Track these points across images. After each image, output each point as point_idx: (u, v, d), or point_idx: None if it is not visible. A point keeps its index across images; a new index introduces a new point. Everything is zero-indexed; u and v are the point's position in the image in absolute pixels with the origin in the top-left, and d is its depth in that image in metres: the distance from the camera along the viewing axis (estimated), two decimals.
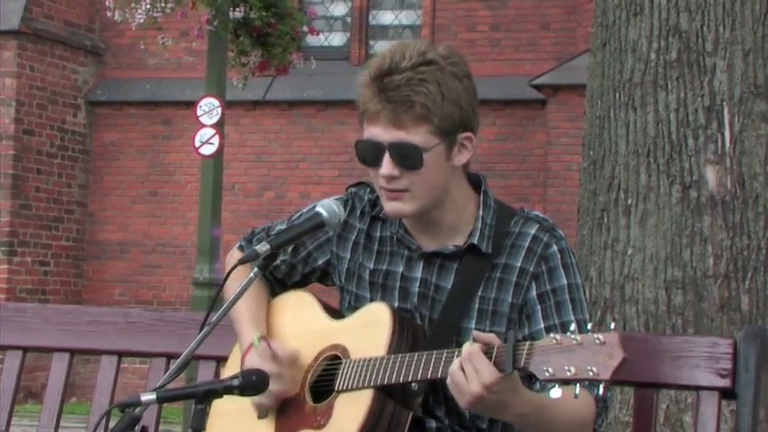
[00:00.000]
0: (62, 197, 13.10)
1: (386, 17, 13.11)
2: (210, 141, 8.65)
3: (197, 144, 8.73)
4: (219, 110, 8.68)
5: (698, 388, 2.85)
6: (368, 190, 2.69)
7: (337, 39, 13.17)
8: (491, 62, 12.21)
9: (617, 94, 4.66)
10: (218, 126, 8.72)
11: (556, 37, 12.21)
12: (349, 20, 13.07)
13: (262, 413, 2.62)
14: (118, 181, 13.25)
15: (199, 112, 8.74)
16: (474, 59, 12.27)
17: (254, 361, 2.57)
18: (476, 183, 2.64)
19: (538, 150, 12.10)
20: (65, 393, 3.18)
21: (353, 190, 2.72)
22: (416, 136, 2.48)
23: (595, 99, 4.78)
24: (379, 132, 2.50)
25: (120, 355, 3.18)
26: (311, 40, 11.37)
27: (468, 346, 2.30)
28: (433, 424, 2.57)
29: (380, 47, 12.89)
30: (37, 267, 12.82)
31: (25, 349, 3.21)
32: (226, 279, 2.54)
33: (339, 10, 13.16)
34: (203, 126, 8.68)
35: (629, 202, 4.60)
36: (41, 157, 12.85)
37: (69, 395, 11.89)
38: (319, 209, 2.54)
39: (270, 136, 12.81)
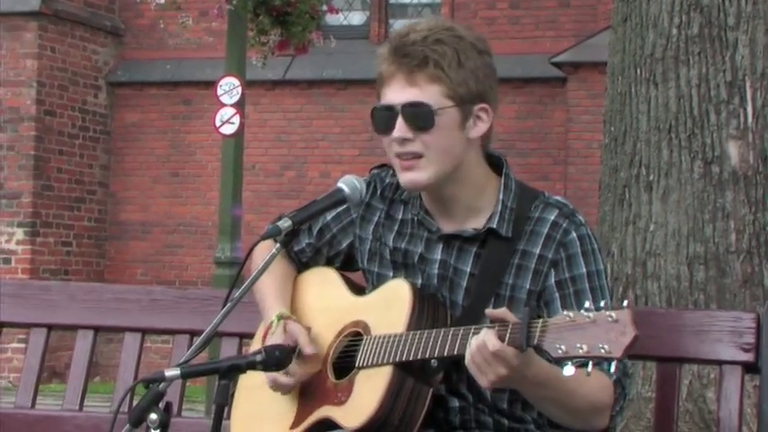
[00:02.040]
0: (84, 178, 13.14)
1: None
2: (231, 121, 8.66)
3: (217, 124, 8.74)
4: (239, 89, 8.68)
5: (720, 362, 2.85)
6: (390, 172, 2.68)
7: (357, 17, 13.14)
8: (510, 40, 12.16)
9: (638, 70, 4.65)
10: (239, 105, 8.72)
11: (576, 14, 12.15)
12: None
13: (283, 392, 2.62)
14: (139, 161, 13.28)
15: (219, 92, 8.74)
16: (493, 37, 12.23)
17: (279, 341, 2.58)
18: (497, 165, 2.62)
19: (558, 128, 12.06)
20: (89, 370, 3.20)
21: (376, 172, 2.72)
22: (429, 96, 2.48)
23: (616, 75, 4.76)
24: (392, 95, 2.50)
25: (144, 332, 3.20)
26: (331, 19, 11.33)
27: (487, 328, 2.29)
28: (455, 403, 2.57)
29: (400, 25, 12.86)
30: (60, 248, 12.88)
31: (50, 327, 3.23)
32: (247, 256, 2.54)
33: None
34: (224, 106, 8.69)
35: (651, 178, 4.59)
36: (63, 137, 12.89)
37: (93, 374, 11.96)
38: (341, 184, 2.54)
39: (290, 115, 12.81)
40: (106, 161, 13.39)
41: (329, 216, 2.67)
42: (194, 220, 13.04)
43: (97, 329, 3.21)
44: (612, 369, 2.24)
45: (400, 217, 2.65)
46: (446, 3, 12.68)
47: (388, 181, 2.68)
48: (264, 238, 2.48)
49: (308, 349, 2.57)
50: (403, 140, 2.50)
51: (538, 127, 12.23)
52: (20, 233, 12.57)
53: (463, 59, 2.49)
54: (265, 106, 12.80)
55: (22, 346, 11.35)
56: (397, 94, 2.50)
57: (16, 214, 12.57)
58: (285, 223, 2.45)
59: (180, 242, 13.10)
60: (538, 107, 12.23)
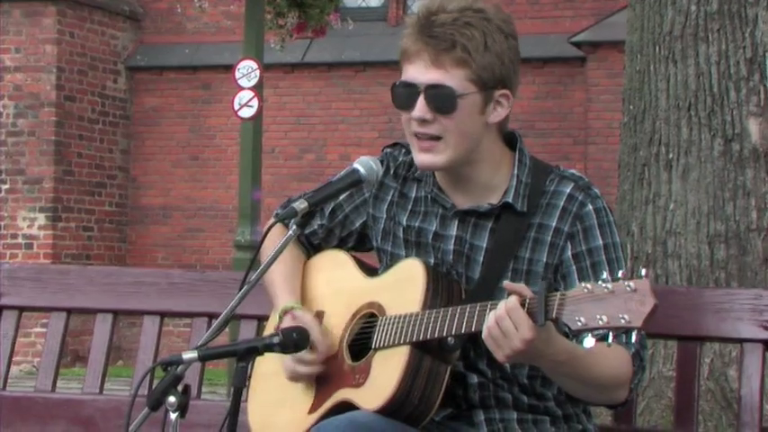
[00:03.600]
0: (104, 162, 13.18)
1: None
2: (249, 104, 8.65)
3: (236, 107, 8.74)
4: (258, 72, 8.67)
5: (741, 340, 2.83)
6: (403, 151, 2.67)
7: None
8: (530, 20, 12.11)
9: (657, 48, 4.62)
10: (257, 89, 8.71)
11: None
12: None
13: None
14: (159, 146, 13.30)
15: (237, 75, 8.74)
16: (513, 17, 12.20)
17: None
18: (511, 141, 2.61)
19: (578, 108, 12.02)
20: (109, 353, 3.21)
21: (389, 150, 2.70)
22: (453, 79, 2.46)
23: (635, 53, 4.73)
24: (416, 74, 2.49)
25: (163, 315, 3.20)
26: (349, 1, 11.33)
27: (504, 302, 2.29)
28: (474, 379, 2.56)
29: (417, 7, 12.81)
30: (81, 233, 12.93)
31: (69, 311, 3.24)
32: (263, 239, 2.53)
33: None
34: (242, 89, 8.69)
35: (671, 156, 4.57)
36: (83, 123, 12.92)
37: (115, 358, 12.01)
38: (357, 165, 2.53)
39: (309, 98, 12.80)
40: (126, 146, 13.42)
41: (341, 196, 2.65)
42: (214, 204, 13.06)
43: (116, 313, 3.22)
44: (633, 339, 2.24)
45: (414, 195, 2.64)
46: None
47: (401, 159, 2.67)
48: (281, 219, 2.47)
49: (321, 343, 2.55)
50: (422, 121, 2.48)
51: (557, 107, 12.18)
52: (41, 218, 12.62)
53: (490, 43, 2.47)
54: (284, 89, 12.79)
55: (45, 330, 11.43)
56: (420, 72, 2.48)
57: (38, 200, 12.62)
58: (301, 205, 2.44)
59: (200, 226, 13.13)
60: (557, 87, 12.18)
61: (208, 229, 13.10)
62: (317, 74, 12.76)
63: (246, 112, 8.67)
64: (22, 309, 3.26)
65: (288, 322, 2.58)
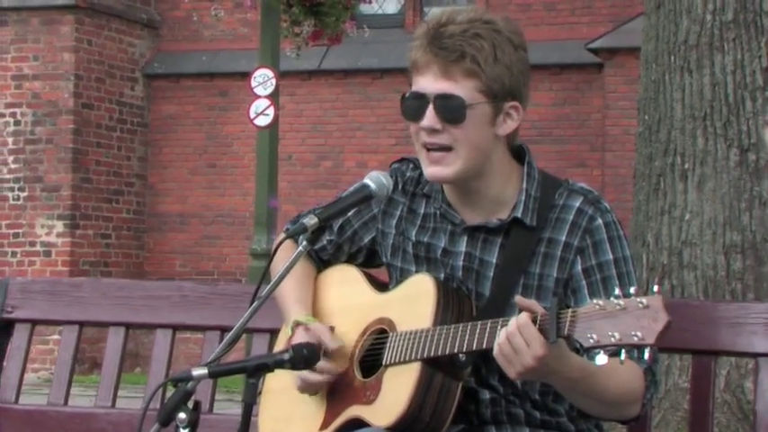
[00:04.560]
0: (122, 170, 13.21)
1: None
2: (265, 112, 8.66)
3: (252, 115, 8.75)
4: (274, 81, 8.68)
5: (756, 355, 2.80)
6: (411, 166, 2.66)
7: (391, 6, 13.11)
8: (546, 26, 12.09)
9: (672, 57, 4.61)
10: (273, 97, 8.72)
11: None
12: None
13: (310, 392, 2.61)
14: (176, 153, 13.33)
15: (253, 84, 8.75)
16: (529, 24, 12.16)
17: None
18: (519, 154, 2.60)
19: (595, 115, 11.99)
20: (121, 366, 3.21)
21: (396, 166, 2.69)
22: (463, 90, 2.46)
23: (650, 63, 4.72)
24: (426, 84, 2.48)
25: (175, 328, 3.19)
26: (365, 8, 11.31)
27: (516, 318, 2.27)
28: (486, 395, 2.55)
29: (434, 14, 12.79)
30: (99, 240, 12.96)
31: (81, 324, 3.24)
32: (273, 255, 2.52)
33: None
34: (258, 97, 8.69)
35: (686, 166, 4.55)
36: (101, 130, 12.96)
37: (133, 365, 12.03)
38: (367, 181, 2.52)
39: (326, 105, 12.80)
40: (143, 153, 13.45)
41: (351, 212, 2.65)
42: (232, 212, 13.08)
43: (128, 326, 3.22)
44: (646, 356, 2.21)
45: (422, 211, 2.63)
46: None
47: (408, 175, 2.66)
48: (291, 236, 2.46)
49: (332, 344, 2.55)
50: (432, 131, 2.48)
51: (575, 114, 12.16)
52: (59, 226, 12.66)
53: (499, 55, 2.47)
54: (301, 96, 12.81)
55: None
56: (430, 83, 2.48)
57: (56, 207, 12.66)
58: (311, 221, 2.43)
59: (218, 233, 13.15)
60: (574, 94, 12.16)
61: (225, 236, 13.11)
62: (333, 81, 12.77)
63: (262, 121, 8.68)
64: (34, 322, 3.26)
65: (300, 335, 2.57)
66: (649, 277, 4.50)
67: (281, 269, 2.45)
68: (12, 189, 12.77)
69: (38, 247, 12.70)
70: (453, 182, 2.53)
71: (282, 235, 2.67)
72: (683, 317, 2.81)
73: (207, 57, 13.16)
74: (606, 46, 11.61)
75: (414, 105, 2.50)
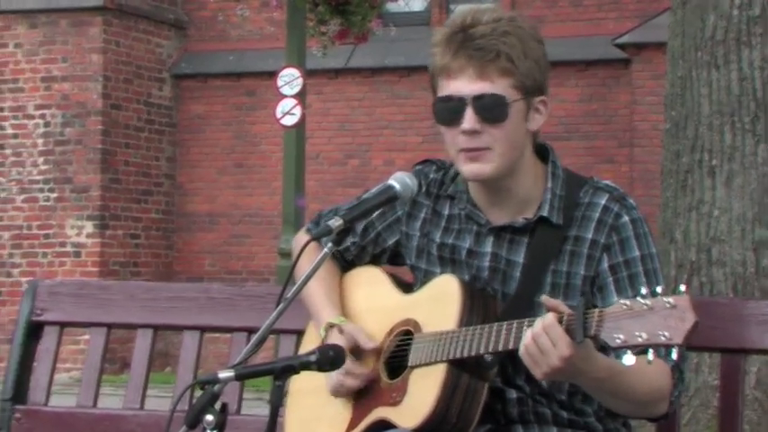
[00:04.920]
0: (150, 170, 13.26)
1: None
2: (292, 112, 8.67)
3: (278, 115, 8.76)
4: (300, 80, 8.68)
5: None
6: (433, 168, 2.66)
7: (418, 4, 13.10)
8: (573, 22, 12.05)
9: (699, 53, 4.58)
10: (300, 96, 8.73)
11: None
12: None
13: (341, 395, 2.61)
14: (204, 153, 13.36)
15: (280, 83, 8.76)
16: (556, 20, 12.13)
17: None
18: (543, 153, 2.59)
19: (623, 110, 11.94)
20: (149, 368, 3.22)
21: (419, 167, 2.69)
22: (500, 88, 2.46)
23: (677, 59, 4.69)
24: (460, 86, 2.47)
25: (202, 330, 3.20)
26: (391, 6, 11.31)
27: (541, 319, 2.27)
28: (513, 394, 2.54)
29: (461, 11, 12.76)
30: (128, 240, 13.01)
31: (109, 326, 3.25)
32: (297, 258, 2.51)
33: None
34: (284, 97, 8.70)
35: (714, 162, 4.53)
36: (129, 131, 13.01)
37: (164, 365, 12.08)
38: (392, 182, 2.52)
39: (353, 104, 12.81)
40: (172, 153, 13.49)
41: (375, 213, 2.64)
42: (260, 211, 13.11)
43: (156, 328, 3.23)
44: (674, 356, 2.20)
45: (447, 212, 2.62)
46: None
47: (432, 176, 2.65)
48: (316, 237, 2.46)
49: (367, 345, 2.55)
50: (472, 133, 2.47)
51: (602, 109, 12.11)
52: (89, 226, 12.72)
53: (528, 50, 2.48)
54: (328, 95, 12.81)
55: None
56: (465, 85, 2.47)
57: (85, 208, 12.73)
58: (336, 222, 2.43)
59: (246, 232, 13.18)
60: (602, 89, 12.11)
61: (254, 235, 13.14)
62: (360, 79, 12.77)
63: (289, 120, 8.69)
64: (63, 324, 3.28)
65: (335, 336, 2.57)
66: (677, 274, 4.48)
67: (306, 270, 2.45)
68: (42, 190, 12.84)
69: (68, 248, 12.77)
70: (490, 180, 2.52)
71: (306, 236, 2.67)
72: (711, 315, 2.79)
73: (234, 56, 13.19)
74: (633, 41, 11.55)
75: (449, 109, 2.49)
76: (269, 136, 12.85)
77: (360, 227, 2.69)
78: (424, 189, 2.65)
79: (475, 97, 2.46)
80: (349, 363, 2.52)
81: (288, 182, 8.76)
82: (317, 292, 2.66)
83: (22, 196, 12.88)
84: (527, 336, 2.27)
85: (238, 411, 3.11)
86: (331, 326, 2.60)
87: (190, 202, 13.38)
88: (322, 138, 12.72)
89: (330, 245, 2.45)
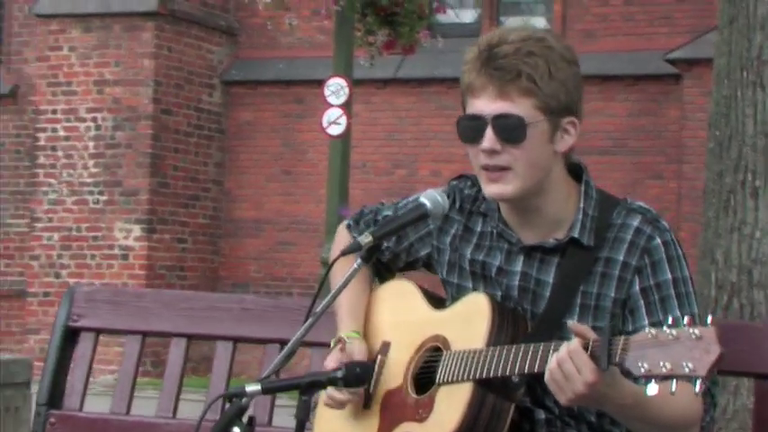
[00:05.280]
0: (199, 175, 13.34)
1: None
2: (338, 121, 8.69)
3: (325, 124, 8.78)
4: (347, 90, 8.71)
5: None
6: (468, 183, 2.66)
7: (468, 15, 13.09)
8: (624, 36, 11.98)
9: (744, 73, 4.55)
10: (346, 106, 8.75)
11: (691, 10, 11.92)
12: None
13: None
14: (253, 159, 13.43)
15: (326, 93, 8.79)
16: (606, 34, 12.08)
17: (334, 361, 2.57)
18: (577, 172, 2.58)
19: (672, 126, 11.85)
20: (182, 377, 3.24)
21: (455, 183, 2.69)
22: (521, 108, 2.45)
23: (722, 78, 4.66)
24: (482, 105, 2.48)
25: (236, 340, 3.21)
26: (442, 17, 11.31)
27: (566, 344, 2.26)
28: (542, 415, 2.54)
29: (512, 23, 12.77)
30: (175, 244, 13.10)
31: (144, 334, 3.27)
32: (328, 270, 2.53)
33: None
34: (331, 106, 8.73)
35: (757, 183, 4.49)
36: (179, 136, 13.10)
37: (207, 369, 12.13)
38: (423, 199, 2.53)
39: (401, 114, 12.82)
40: (220, 159, 13.57)
41: (405, 229, 2.65)
42: (306, 218, 13.15)
43: (190, 337, 3.24)
44: (697, 388, 2.18)
45: (479, 229, 2.62)
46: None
47: (466, 192, 2.65)
48: (345, 253, 2.47)
49: (339, 396, 2.55)
50: (491, 152, 2.47)
51: (651, 125, 12.03)
52: (137, 230, 12.83)
53: (554, 71, 2.47)
54: (376, 105, 12.84)
55: None
56: (487, 105, 2.48)
57: (133, 211, 12.83)
58: (366, 239, 2.44)
59: (292, 240, 13.22)
60: (651, 105, 12.03)
61: (299, 242, 13.18)
62: (409, 89, 12.78)
63: (335, 130, 8.71)
64: (99, 331, 3.30)
65: (335, 352, 2.58)
66: (718, 295, 4.45)
67: (338, 282, 2.47)
68: (91, 193, 12.97)
69: (116, 251, 12.88)
70: (513, 200, 2.52)
71: (345, 232, 2.74)
72: (745, 339, 2.76)
73: (284, 64, 13.24)
74: (684, 57, 11.48)
75: (471, 127, 2.50)
76: (316, 144, 12.89)
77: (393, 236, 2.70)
78: (458, 205, 2.65)
79: (495, 117, 2.46)
80: (330, 389, 2.53)
81: (332, 191, 8.79)
82: (343, 304, 2.68)
83: (73, 198, 13.01)
84: (552, 361, 2.27)
85: (269, 423, 3.12)
86: (339, 340, 2.61)
87: (237, 208, 13.45)
88: (369, 147, 12.74)
89: (359, 261, 2.46)
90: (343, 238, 2.75)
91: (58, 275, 12.98)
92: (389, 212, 2.76)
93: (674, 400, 2.32)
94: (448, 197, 2.63)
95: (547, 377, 2.28)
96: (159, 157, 12.88)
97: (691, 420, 2.41)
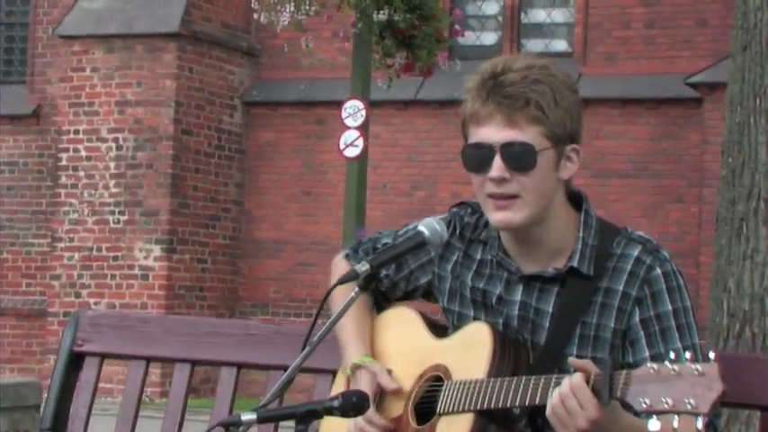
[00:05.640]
0: (219, 196, 13.37)
1: (539, 15, 12.97)
2: (355, 144, 8.69)
3: (342, 146, 8.79)
4: (364, 112, 8.71)
5: None
6: (468, 211, 2.64)
7: (490, 38, 13.09)
8: (645, 60, 11.96)
9: (758, 100, 4.52)
10: (363, 128, 8.75)
11: (713, 33, 11.88)
12: (501, 18, 12.98)
13: None
14: (273, 180, 13.45)
15: (344, 115, 8.80)
16: (628, 57, 12.05)
17: (363, 386, 2.56)
18: (576, 201, 2.57)
19: (694, 150, 11.81)
20: (185, 402, 3.22)
21: (455, 210, 2.68)
22: (529, 136, 2.44)
23: (735, 105, 4.64)
24: (489, 134, 2.46)
25: (239, 366, 3.20)
26: (462, 40, 11.33)
27: (569, 380, 2.24)
28: None
29: (533, 46, 12.76)
30: (195, 264, 13.12)
31: (148, 359, 3.26)
32: (324, 299, 2.52)
33: (491, 8, 13.08)
34: (348, 128, 8.74)
35: None
36: (199, 156, 13.14)
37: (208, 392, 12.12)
38: (421, 228, 2.52)
39: (421, 135, 12.82)
40: (241, 180, 13.60)
41: (403, 258, 2.64)
42: (326, 239, 13.14)
43: (194, 363, 3.23)
44: (700, 425, 2.16)
45: (479, 257, 2.61)
46: (579, 22, 12.55)
47: (466, 220, 2.64)
48: (342, 282, 2.46)
49: (390, 386, 2.54)
50: (500, 180, 2.46)
51: (672, 148, 11.99)
52: (157, 250, 12.86)
53: (559, 99, 2.46)
54: (396, 126, 12.84)
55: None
56: (494, 133, 2.46)
57: (154, 231, 12.87)
58: (363, 267, 2.43)
59: (312, 261, 13.21)
60: (672, 128, 11.99)
61: (319, 263, 13.16)
62: (429, 111, 12.78)
63: (352, 152, 8.71)
64: (103, 356, 3.30)
65: (363, 378, 2.57)
66: (730, 324, 4.41)
67: (336, 311, 2.46)
68: (112, 213, 13.01)
69: (136, 271, 12.91)
70: (519, 228, 2.50)
71: (339, 264, 2.72)
72: (751, 372, 2.74)
73: (305, 85, 13.27)
74: (706, 81, 11.44)
75: (477, 156, 2.48)
76: (336, 165, 12.89)
77: (394, 262, 2.69)
78: (458, 232, 2.64)
79: (503, 145, 2.45)
80: (371, 412, 2.51)
81: (349, 213, 8.79)
82: (347, 330, 2.66)
83: (93, 218, 13.06)
84: (555, 398, 2.26)
85: None
86: (356, 367, 2.59)
87: (257, 228, 13.47)
88: (389, 168, 12.74)
89: (357, 290, 2.45)
90: (341, 267, 2.74)
91: (78, 295, 13.02)
92: (388, 240, 2.75)
93: None
94: (448, 224, 2.63)
95: (548, 412, 2.27)
96: (180, 177, 12.92)
97: None
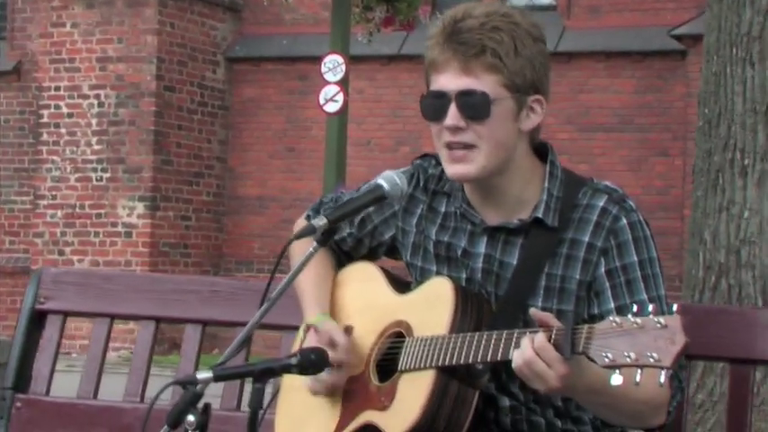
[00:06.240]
0: (202, 153, 13.30)
1: None
2: (335, 99, 8.62)
3: (321, 102, 8.72)
4: (344, 67, 8.63)
5: None
6: (432, 162, 2.59)
7: None
8: (629, 12, 11.87)
9: (734, 49, 4.47)
10: (343, 83, 8.68)
11: None
12: None
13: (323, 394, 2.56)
14: (256, 136, 13.38)
15: (323, 69, 8.72)
16: (612, 10, 11.96)
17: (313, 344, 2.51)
18: (542, 152, 2.51)
19: (678, 103, 11.75)
20: (150, 361, 3.18)
21: (418, 162, 2.62)
22: (485, 85, 2.39)
23: (711, 54, 4.59)
24: (446, 82, 2.41)
25: (204, 323, 3.16)
26: None
27: (530, 342, 2.20)
28: (506, 402, 2.48)
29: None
30: (179, 222, 13.08)
31: (112, 317, 3.22)
32: (281, 255, 2.47)
33: None
34: (328, 83, 8.66)
35: (746, 162, 4.42)
36: (182, 113, 13.06)
37: (212, 347, 12.12)
38: (381, 181, 2.46)
39: (404, 90, 12.73)
40: (224, 136, 13.52)
41: (362, 212, 2.58)
42: (310, 195, 13.07)
43: (158, 320, 3.19)
44: (663, 379, 2.12)
45: (443, 209, 2.56)
46: None
47: (430, 172, 2.59)
48: (299, 237, 2.41)
49: (341, 340, 2.49)
50: (455, 129, 2.41)
51: (657, 101, 11.93)
52: (140, 207, 12.80)
53: (520, 48, 2.40)
54: (381, 81, 12.76)
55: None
56: (450, 81, 2.41)
57: (137, 188, 12.81)
58: (321, 221, 2.38)
59: (296, 217, 13.06)
60: (657, 81, 11.93)
61: None
62: (412, 66, 12.68)
63: (332, 107, 8.65)
64: (66, 313, 3.25)
65: (311, 338, 2.53)
66: (706, 276, 4.38)
67: (295, 265, 2.41)
68: (95, 170, 12.94)
69: (119, 228, 12.87)
70: (476, 180, 2.45)
71: (300, 225, 2.65)
72: (721, 324, 2.72)
73: (287, 40, 13.17)
74: (690, 32, 11.35)
75: (434, 105, 2.43)
76: (319, 121, 12.80)
77: (357, 219, 2.64)
78: (422, 184, 2.59)
79: (458, 93, 2.39)
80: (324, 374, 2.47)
81: (329, 168, 8.74)
82: (306, 289, 2.62)
83: (76, 175, 12.99)
84: (518, 360, 2.22)
85: (238, 407, 3.06)
86: (308, 327, 2.55)
87: (241, 185, 13.41)
88: (373, 124, 12.68)
89: (315, 245, 2.39)
90: (301, 226, 2.68)
91: (61, 253, 12.98)
92: (351, 198, 2.69)
93: (640, 389, 2.27)
94: (411, 177, 2.57)
95: (515, 368, 2.24)
96: (162, 134, 12.84)
97: (657, 405, 2.36)
